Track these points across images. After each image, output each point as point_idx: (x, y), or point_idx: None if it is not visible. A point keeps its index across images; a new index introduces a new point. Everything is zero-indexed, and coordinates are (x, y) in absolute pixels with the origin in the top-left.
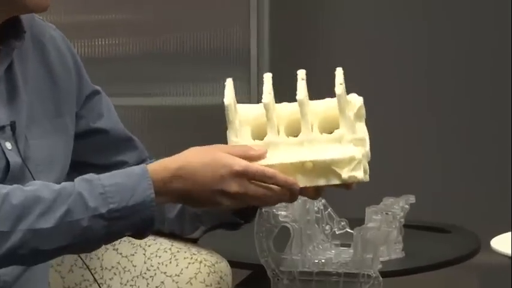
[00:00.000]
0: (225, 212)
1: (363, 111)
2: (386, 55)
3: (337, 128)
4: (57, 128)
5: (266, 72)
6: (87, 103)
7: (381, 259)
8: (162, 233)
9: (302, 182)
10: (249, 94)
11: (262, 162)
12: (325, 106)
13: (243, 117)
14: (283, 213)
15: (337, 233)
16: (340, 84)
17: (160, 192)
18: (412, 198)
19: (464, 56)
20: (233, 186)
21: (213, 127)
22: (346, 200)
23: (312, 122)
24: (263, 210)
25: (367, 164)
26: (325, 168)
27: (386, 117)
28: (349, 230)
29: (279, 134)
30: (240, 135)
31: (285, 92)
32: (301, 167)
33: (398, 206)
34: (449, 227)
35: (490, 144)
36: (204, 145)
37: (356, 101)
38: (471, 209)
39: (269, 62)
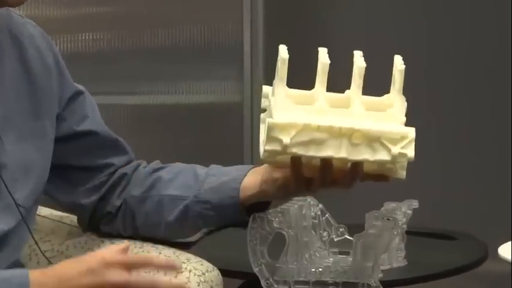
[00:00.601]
0: (235, 210)
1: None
2: (387, 51)
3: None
4: (34, 131)
5: (260, 70)
6: (70, 104)
7: (382, 268)
8: (153, 239)
9: (347, 152)
10: (242, 94)
11: (308, 120)
12: (377, 99)
13: (287, 92)
14: (278, 219)
15: (335, 240)
16: (403, 64)
17: None
18: (415, 203)
19: (464, 58)
20: (106, 275)
21: (205, 127)
22: (345, 205)
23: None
24: (257, 216)
25: (406, 162)
26: (375, 140)
27: None
28: (348, 237)
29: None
30: (286, 94)
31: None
32: (349, 136)
33: (401, 211)
34: (454, 234)
35: (494, 144)
36: (194, 146)
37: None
38: (477, 215)
39: (263, 59)
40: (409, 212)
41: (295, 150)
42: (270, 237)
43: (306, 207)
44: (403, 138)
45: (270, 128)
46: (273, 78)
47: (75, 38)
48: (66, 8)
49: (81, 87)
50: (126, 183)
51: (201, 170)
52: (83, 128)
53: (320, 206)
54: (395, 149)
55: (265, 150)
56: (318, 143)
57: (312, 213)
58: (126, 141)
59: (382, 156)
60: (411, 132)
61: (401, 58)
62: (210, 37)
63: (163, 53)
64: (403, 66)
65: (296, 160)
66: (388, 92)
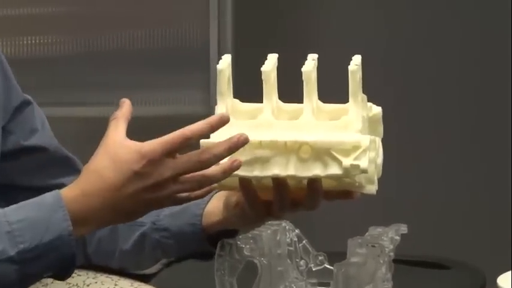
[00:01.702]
0: (196, 239)
1: (380, 119)
2: (371, 53)
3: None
4: None
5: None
6: (17, 116)
7: None
8: (108, 268)
9: (295, 169)
10: (208, 104)
11: (251, 137)
12: (334, 107)
13: (235, 108)
14: (249, 246)
15: (313, 269)
16: (356, 65)
17: (78, 221)
18: (403, 228)
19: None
20: (154, 175)
21: None
22: (324, 230)
23: (315, 110)
24: (225, 242)
25: (375, 174)
26: (324, 153)
27: None
28: (328, 266)
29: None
30: (229, 111)
31: (252, 99)
32: (296, 151)
33: (387, 237)
34: (448, 262)
35: (493, 165)
36: None
37: (374, 107)
38: (473, 241)
39: (233, 64)
40: (397, 237)
41: (237, 171)
42: (240, 266)
43: (281, 233)
44: (355, 148)
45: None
46: (244, 86)
47: (18, 42)
48: (5, 7)
49: (28, 96)
50: None
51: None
52: (31, 143)
53: (297, 231)
54: (347, 161)
55: None
56: (262, 161)
57: (288, 239)
58: (77, 159)
59: (334, 170)
60: (363, 140)
61: (359, 58)
62: (171, 41)
63: (118, 59)
64: (355, 67)
65: (244, 182)
66: (380, 101)
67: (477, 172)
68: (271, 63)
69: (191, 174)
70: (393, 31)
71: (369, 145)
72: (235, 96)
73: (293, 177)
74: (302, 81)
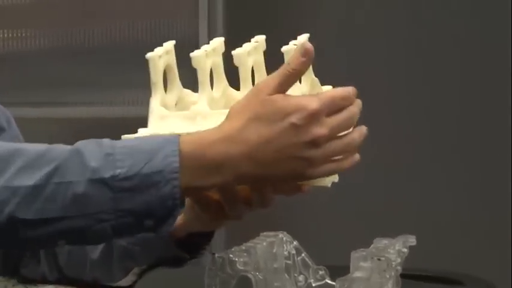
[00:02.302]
0: (163, 244)
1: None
2: (368, 50)
3: None
4: None
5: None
6: None
7: None
8: (81, 282)
9: None
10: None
11: (175, 128)
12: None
13: (183, 99)
14: (242, 259)
15: (313, 285)
16: (294, 44)
17: (190, 168)
18: (411, 240)
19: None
20: (312, 130)
21: None
22: (325, 242)
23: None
24: (216, 255)
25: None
26: None
27: (378, 131)
28: (329, 281)
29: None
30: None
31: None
32: None
33: (394, 249)
34: (459, 277)
35: (506, 171)
36: None
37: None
38: (487, 253)
39: (224, 62)
40: (405, 250)
41: None
42: (233, 281)
43: (278, 245)
44: None
45: None
46: (236, 83)
47: None
48: None
49: None
50: None
51: None
52: None
53: (295, 243)
54: None
55: None
56: None
57: (285, 252)
58: None
59: None
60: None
61: (304, 37)
62: (156, 35)
63: (97, 56)
64: (291, 47)
65: None
66: (382, 99)
67: (481, 181)
68: (204, 48)
69: (340, 138)
70: (392, 29)
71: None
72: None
73: None
74: None
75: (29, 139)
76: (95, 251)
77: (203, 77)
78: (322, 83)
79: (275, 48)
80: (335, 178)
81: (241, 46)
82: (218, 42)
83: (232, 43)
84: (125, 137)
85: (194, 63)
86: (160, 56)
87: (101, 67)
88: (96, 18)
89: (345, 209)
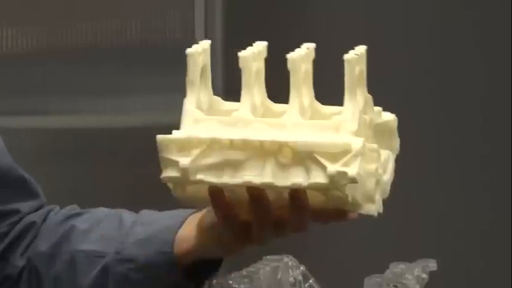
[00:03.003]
0: (169, 271)
1: (393, 130)
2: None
3: None
4: None
5: (218, 79)
6: None
7: None
8: None
9: (273, 176)
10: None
11: (216, 133)
12: (334, 109)
13: (213, 106)
14: (243, 286)
15: None
16: (356, 54)
17: None
18: (432, 264)
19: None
20: None
21: (139, 157)
22: (335, 266)
23: (306, 109)
24: (214, 282)
25: (377, 191)
26: (307, 157)
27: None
28: None
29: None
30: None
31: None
32: (275, 154)
33: (413, 275)
34: None
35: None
36: (124, 183)
37: (386, 114)
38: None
39: (222, 63)
40: (425, 276)
41: (201, 176)
42: None
43: (283, 270)
44: (344, 152)
45: (162, 147)
46: (235, 84)
47: None
48: None
49: None
50: (34, 235)
51: (128, 216)
52: None
53: (302, 268)
54: (333, 167)
55: (162, 179)
56: (234, 165)
57: (291, 278)
58: (33, 178)
59: (317, 178)
60: (355, 142)
61: (362, 48)
62: (147, 35)
63: (81, 57)
64: (352, 57)
65: (215, 192)
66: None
67: (507, 203)
68: (252, 49)
69: None
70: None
71: (360, 149)
72: (224, 98)
73: (270, 186)
74: None
75: (13, 150)
76: (87, 277)
77: (249, 80)
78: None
79: (280, 51)
80: (380, 208)
81: (241, 44)
82: (262, 46)
83: (232, 42)
84: (161, 137)
85: (242, 63)
86: (200, 53)
87: (86, 71)
88: (75, 15)
89: (357, 230)
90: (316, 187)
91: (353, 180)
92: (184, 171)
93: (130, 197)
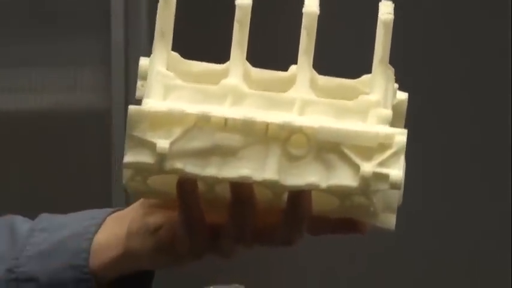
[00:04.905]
0: None
1: (403, 112)
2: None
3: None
4: None
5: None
6: None
7: None
8: None
9: (278, 172)
10: (109, 92)
11: (205, 109)
12: (342, 83)
13: (177, 65)
14: None
15: None
16: (389, 13)
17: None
18: None
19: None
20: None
21: (50, 143)
22: None
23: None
24: None
25: (395, 203)
26: (331, 149)
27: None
28: None
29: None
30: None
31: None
32: (283, 141)
33: None
34: None
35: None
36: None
37: (399, 92)
38: None
39: (148, 24)
40: None
41: (180, 165)
42: None
43: None
44: (383, 146)
45: (133, 123)
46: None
47: None
48: None
49: None
50: None
51: (22, 224)
52: None
53: None
54: (368, 167)
55: (125, 165)
56: (224, 152)
57: None
58: None
59: (343, 179)
60: (399, 135)
61: (391, 5)
62: None
63: None
64: (388, 17)
65: (186, 185)
66: None
67: None
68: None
69: None
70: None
71: (405, 145)
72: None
73: (273, 184)
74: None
75: None
76: None
77: (243, 36)
78: None
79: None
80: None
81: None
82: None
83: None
84: (132, 108)
85: (240, 14)
86: None
87: None
88: None
89: (315, 257)
90: (338, 190)
91: (395, 186)
92: (161, 157)
93: (35, 195)
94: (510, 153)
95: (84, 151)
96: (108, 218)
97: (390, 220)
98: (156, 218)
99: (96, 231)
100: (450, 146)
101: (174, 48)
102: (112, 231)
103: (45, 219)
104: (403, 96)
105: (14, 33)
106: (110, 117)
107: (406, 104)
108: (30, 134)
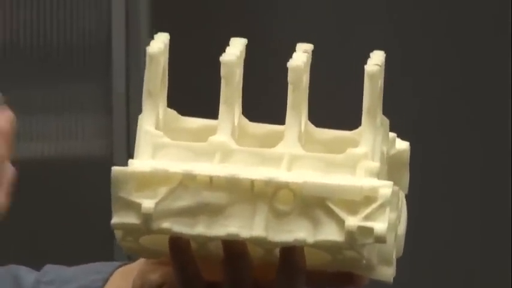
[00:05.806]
0: None
1: (406, 162)
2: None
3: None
4: None
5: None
6: None
7: None
8: None
9: (266, 228)
10: (111, 136)
11: (191, 167)
12: (335, 135)
13: (170, 122)
14: None
15: None
16: (377, 65)
17: None
18: None
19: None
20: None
21: (49, 193)
22: None
23: (305, 136)
24: None
25: (394, 250)
26: (316, 204)
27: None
28: None
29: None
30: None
31: (182, 110)
32: (269, 198)
33: None
34: None
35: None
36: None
37: (399, 141)
38: None
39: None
40: None
41: (167, 225)
42: None
43: None
44: (368, 200)
45: (118, 184)
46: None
47: None
48: None
49: None
50: None
51: (27, 274)
52: None
53: None
54: (353, 221)
55: (113, 226)
56: (212, 211)
57: None
58: None
59: (330, 234)
60: (383, 188)
61: (381, 55)
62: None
63: None
64: (375, 69)
65: (178, 245)
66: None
67: None
68: (233, 50)
69: None
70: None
71: (390, 198)
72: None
73: (261, 241)
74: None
75: None
76: None
77: (231, 93)
78: None
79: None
80: (394, 271)
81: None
82: (241, 45)
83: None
84: (116, 169)
85: (225, 70)
86: (162, 52)
87: None
88: None
89: None
90: (326, 245)
91: (380, 240)
92: (147, 217)
93: (38, 245)
94: (510, 154)
95: (85, 199)
96: (115, 272)
97: (386, 273)
98: (157, 276)
99: (103, 286)
100: (450, 148)
101: (178, 102)
102: (118, 286)
103: (52, 271)
104: (404, 145)
105: (14, 80)
106: (112, 164)
107: (408, 153)
108: (31, 181)
